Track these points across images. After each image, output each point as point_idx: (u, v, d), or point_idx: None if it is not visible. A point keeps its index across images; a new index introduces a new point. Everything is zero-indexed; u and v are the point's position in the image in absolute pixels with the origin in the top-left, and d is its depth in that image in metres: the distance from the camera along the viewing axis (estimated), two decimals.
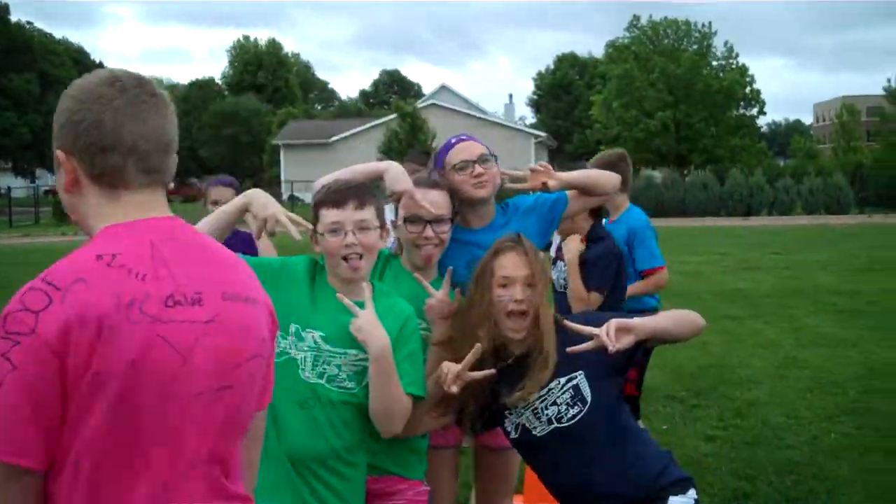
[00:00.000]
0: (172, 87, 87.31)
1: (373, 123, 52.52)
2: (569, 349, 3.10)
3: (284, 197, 45.76)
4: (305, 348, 3.07)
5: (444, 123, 46.06)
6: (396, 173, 3.50)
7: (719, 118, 58.12)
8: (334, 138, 53.88)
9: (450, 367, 3.12)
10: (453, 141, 3.84)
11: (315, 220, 3.15)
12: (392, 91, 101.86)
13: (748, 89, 60.02)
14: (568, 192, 3.87)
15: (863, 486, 6.00)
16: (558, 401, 3.21)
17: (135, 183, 1.89)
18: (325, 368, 3.08)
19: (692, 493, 3.21)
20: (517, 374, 3.23)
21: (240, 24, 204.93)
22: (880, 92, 66.27)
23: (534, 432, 3.26)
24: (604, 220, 5.41)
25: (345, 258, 3.07)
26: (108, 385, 1.70)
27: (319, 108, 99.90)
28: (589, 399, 3.20)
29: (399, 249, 3.69)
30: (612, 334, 3.00)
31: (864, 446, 6.84)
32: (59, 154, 1.91)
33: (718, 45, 61.76)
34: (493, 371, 3.19)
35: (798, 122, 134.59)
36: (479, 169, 3.68)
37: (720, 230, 33.54)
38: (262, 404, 2.09)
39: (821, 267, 19.32)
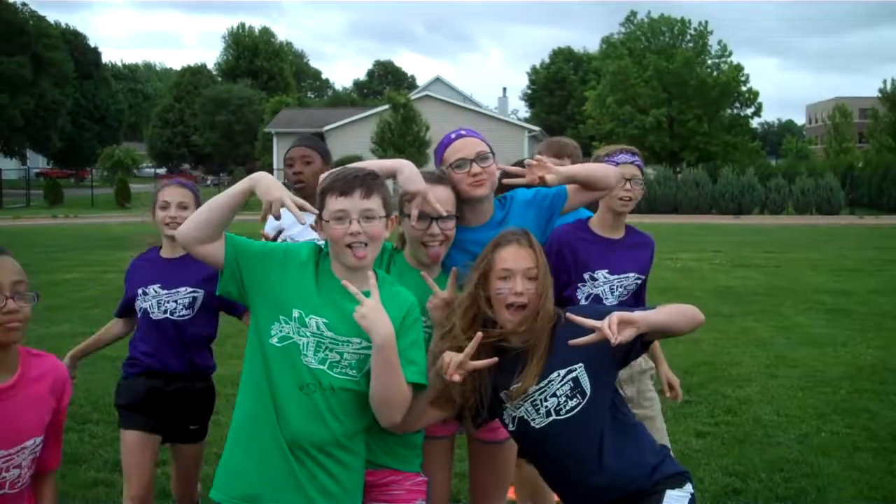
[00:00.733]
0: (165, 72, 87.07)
1: (366, 113, 52.37)
2: (571, 342, 3.10)
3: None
4: (308, 334, 3.06)
5: (437, 115, 46.02)
6: (411, 173, 3.48)
7: (713, 116, 58.25)
8: (327, 127, 53.67)
9: (451, 357, 3.13)
10: (452, 136, 3.79)
11: (321, 206, 3.14)
12: (386, 82, 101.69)
13: (744, 88, 60.16)
14: (568, 187, 3.83)
15: (852, 484, 6.02)
16: (558, 393, 3.21)
17: None
18: (327, 354, 3.07)
19: (689, 487, 3.22)
20: (516, 367, 3.24)
21: (229, 12, 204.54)
22: (874, 94, 66.38)
23: (532, 424, 3.26)
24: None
25: (349, 246, 3.07)
26: None
27: (313, 96, 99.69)
28: (588, 391, 3.21)
29: (401, 244, 3.68)
30: (615, 327, 3.00)
31: (854, 445, 6.87)
32: None
33: (713, 43, 61.90)
34: (494, 359, 3.19)
35: (790, 122, 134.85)
36: (476, 168, 3.64)
37: (711, 228, 33.62)
38: None
39: (811, 266, 19.40)
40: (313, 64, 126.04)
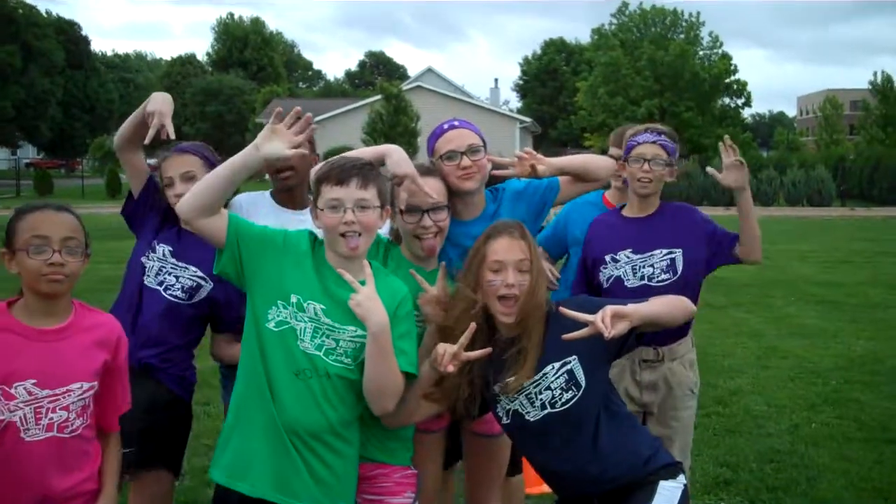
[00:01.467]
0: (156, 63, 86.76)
1: (357, 104, 52.27)
2: (564, 336, 3.09)
3: (267, 175, 45.54)
4: (306, 319, 3.08)
5: (429, 106, 45.92)
6: (399, 157, 3.48)
7: (705, 108, 58.27)
8: (318, 118, 53.57)
9: (445, 348, 3.13)
10: (445, 127, 3.77)
11: (316, 194, 3.14)
12: (378, 72, 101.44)
13: (732, 79, 60.19)
14: (560, 178, 3.83)
15: (842, 475, 6.06)
16: (552, 385, 3.22)
17: None
18: (323, 341, 3.08)
19: (682, 478, 3.23)
20: (510, 359, 3.24)
21: (216, 2, 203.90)
22: (864, 86, 66.50)
23: (526, 417, 3.26)
24: None
25: (343, 235, 3.07)
26: None
27: (305, 87, 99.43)
28: (583, 384, 3.21)
29: (397, 239, 3.67)
30: (608, 321, 3.00)
31: (845, 435, 6.91)
32: None
33: (704, 34, 61.93)
34: (488, 350, 3.19)
35: (782, 114, 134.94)
36: (466, 161, 3.63)
37: None
38: None
39: (801, 258, 19.44)
40: (304, 55, 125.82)
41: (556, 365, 3.22)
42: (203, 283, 3.84)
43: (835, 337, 10.87)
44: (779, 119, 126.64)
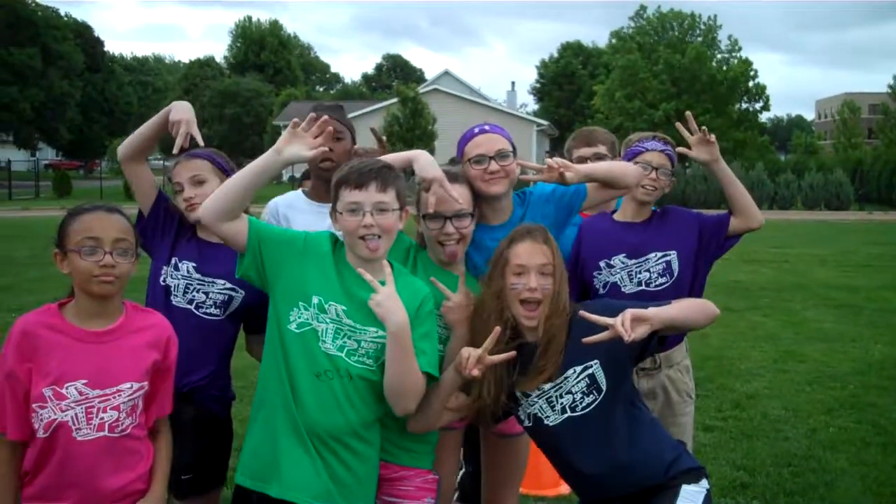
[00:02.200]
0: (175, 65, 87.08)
1: (375, 107, 52.26)
2: (584, 339, 3.10)
3: (285, 178, 45.62)
4: (327, 320, 3.10)
5: (445, 109, 45.95)
6: (427, 161, 3.49)
7: (722, 111, 58.05)
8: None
9: (470, 352, 3.14)
10: (476, 131, 3.76)
11: (335, 198, 3.16)
12: (395, 75, 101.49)
13: (752, 83, 59.96)
14: (588, 185, 3.79)
15: (860, 479, 6.03)
16: (573, 389, 3.22)
17: None
18: (345, 342, 3.10)
19: (704, 482, 3.23)
20: (533, 363, 3.25)
21: (232, 5, 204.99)
22: (883, 90, 66.13)
23: (546, 421, 3.27)
24: None
25: (362, 238, 3.09)
26: None
27: (322, 90, 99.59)
28: (604, 387, 3.22)
29: (422, 243, 3.68)
30: (628, 324, 3.00)
31: (863, 440, 6.88)
32: None
33: (722, 38, 61.73)
34: (512, 353, 3.20)
35: (800, 117, 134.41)
36: (493, 166, 3.62)
37: None
38: None
39: (819, 262, 19.34)
40: (320, 57, 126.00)
41: (578, 369, 3.23)
42: (234, 293, 3.73)
43: (853, 341, 10.82)
44: (797, 123, 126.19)
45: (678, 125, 4.20)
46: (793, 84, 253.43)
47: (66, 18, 67.81)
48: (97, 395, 2.93)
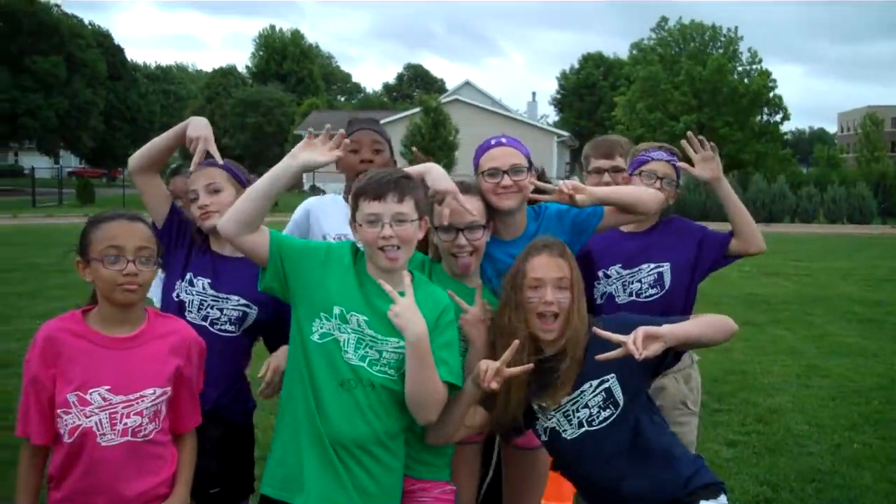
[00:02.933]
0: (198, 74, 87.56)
1: (396, 116, 52.40)
2: (597, 357, 3.09)
3: (306, 187, 45.78)
4: (350, 330, 3.09)
5: (466, 119, 46.02)
6: (439, 174, 3.47)
7: (743, 123, 57.89)
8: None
9: (488, 364, 3.12)
10: (492, 143, 3.73)
11: (354, 208, 3.15)
12: (416, 85, 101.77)
13: (772, 94, 59.79)
14: (606, 207, 3.73)
15: (885, 496, 5.97)
16: (590, 403, 3.21)
17: None
18: (367, 352, 3.10)
19: (723, 498, 3.20)
20: (550, 375, 3.23)
21: (251, 13, 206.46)
22: None
23: (563, 435, 3.26)
24: None
25: (381, 249, 3.08)
26: None
27: (343, 99, 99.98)
28: (621, 401, 3.20)
29: (436, 256, 3.66)
30: (640, 342, 2.99)
31: (888, 456, 6.81)
32: None
33: (743, 49, 61.59)
34: (530, 365, 3.18)
35: (822, 130, 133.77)
36: (507, 180, 3.58)
37: None
38: None
39: (842, 276, 19.21)
40: (340, 66, 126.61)
41: (594, 383, 3.22)
42: (248, 310, 3.67)
43: (876, 356, 10.72)
44: (819, 136, 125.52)
45: (683, 142, 4.12)
46: (815, 96, 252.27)
47: (89, 27, 68.36)
48: (121, 401, 2.95)
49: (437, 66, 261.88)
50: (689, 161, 4.12)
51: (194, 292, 3.65)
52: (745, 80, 59.62)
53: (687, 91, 58.30)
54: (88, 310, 3.08)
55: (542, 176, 3.92)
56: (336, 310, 3.10)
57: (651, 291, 4.07)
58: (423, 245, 3.54)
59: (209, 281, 3.66)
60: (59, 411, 2.93)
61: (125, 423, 2.96)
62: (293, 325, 3.19)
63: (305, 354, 3.11)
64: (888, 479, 6.28)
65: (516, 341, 3.15)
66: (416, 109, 46.10)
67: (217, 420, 3.55)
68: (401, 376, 3.10)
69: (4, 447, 5.23)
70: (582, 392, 3.21)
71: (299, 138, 3.39)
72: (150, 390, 3.01)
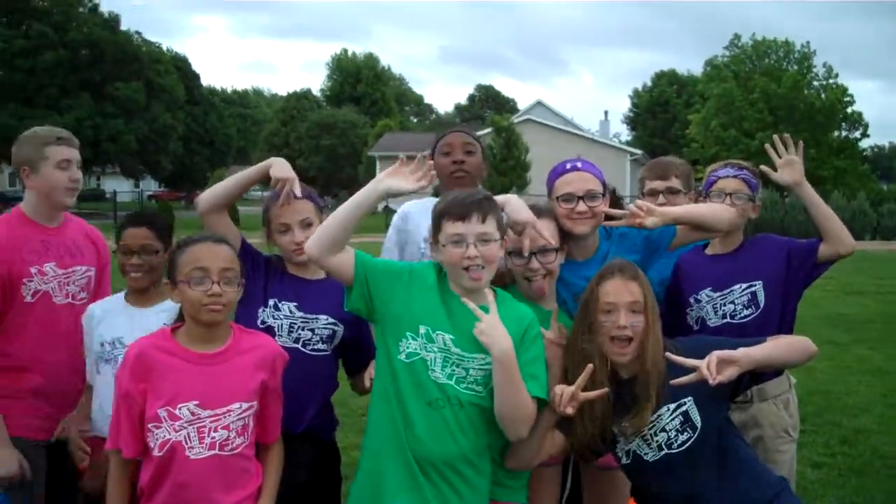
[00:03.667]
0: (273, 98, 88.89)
1: None
2: (672, 381, 3.09)
3: (380, 208, 46.17)
4: (436, 349, 3.12)
5: (539, 139, 45.98)
6: (518, 205, 3.50)
7: (820, 139, 56.84)
8: (429, 151, 53.78)
9: (563, 389, 3.13)
10: (568, 167, 3.74)
11: (437, 229, 3.18)
12: (487, 105, 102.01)
13: (849, 110, 58.66)
14: (679, 226, 3.74)
15: None
16: (667, 427, 3.20)
17: None
18: (454, 370, 3.11)
19: None
20: (628, 399, 3.22)
21: (320, 37, 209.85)
22: None
23: (645, 458, 3.24)
24: None
25: (466, 269, 3.10)
26: None
27: (415, 121, 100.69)
28: (699, 425, 3.18)
29: (511, 279, 3.66)
30: (713, 368, 2.99)
31: None
32: None
33: (818, 65, 60.57)
34: (605, 390, 3.17)
35: None
36: (581, 206, 3.60)
37: None
38: None
39: None
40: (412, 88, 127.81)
41: (672, 406, 3.21)
42: (336, 328, 3.73)
43: None
44: None
45: (766, 146, 4.13)
46: (894, 112, 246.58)
47: (168, 53, 69.91)
48: (208, 416, 3.03)
49: (507, 87, 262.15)
50: (767, 171, 4.09)
51: (282, 317, 3.69)
52: (822, 96, 58.57)
53: (762, 108, 57.44)
54: (177, 327, 3.19)
55: (613, 195, 3.92)
56: (422, 329, 3.13)
57: (746, 312, 4.02)
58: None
59: (295, 304, 3.71)
60: (149, 426, 3.02)
61: (213, 437, 3.03)
62: (379, 346, 3.24)
63: (393, 374, 3.15)
64: None
65: (590, 365, 3.15)
66: (488, 130, 46.18)
67: (309, 440, 3.64)
68: (489, 393, 3.11)
69: None
70: (660, 416, 3.21)
71: (373, 160, 3.46)
72: (237, 404, 3.08)
